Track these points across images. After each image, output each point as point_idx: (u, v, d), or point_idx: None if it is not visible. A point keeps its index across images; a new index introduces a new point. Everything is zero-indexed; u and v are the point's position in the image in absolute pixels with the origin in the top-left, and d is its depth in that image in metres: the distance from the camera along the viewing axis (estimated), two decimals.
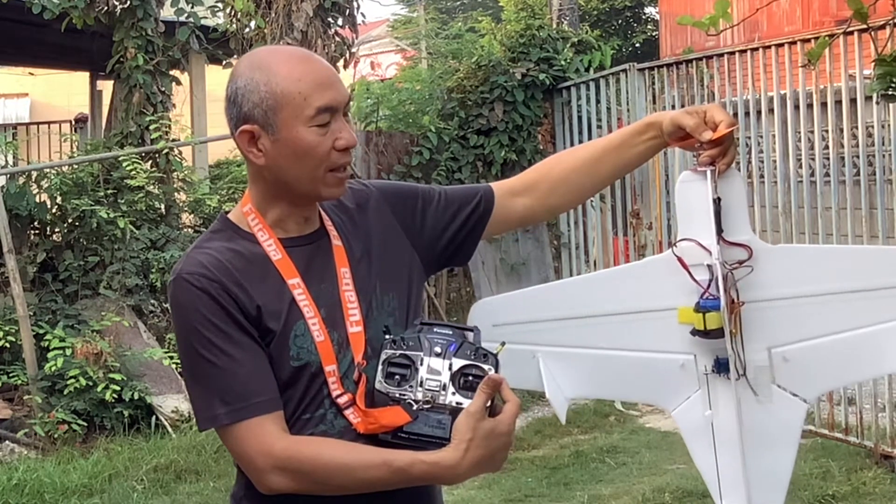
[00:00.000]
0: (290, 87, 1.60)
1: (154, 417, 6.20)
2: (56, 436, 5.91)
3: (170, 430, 6.12)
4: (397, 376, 1.59)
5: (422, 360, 1.59)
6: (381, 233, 1.77)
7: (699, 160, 1.80)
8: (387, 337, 1.62)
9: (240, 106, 1.63)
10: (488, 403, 1.56)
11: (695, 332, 1.77)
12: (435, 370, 1.58)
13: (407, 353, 1.60)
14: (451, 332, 1.62)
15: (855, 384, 5.01)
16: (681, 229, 1.83)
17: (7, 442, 5.99)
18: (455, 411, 1.55)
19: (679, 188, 1.83)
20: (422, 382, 1.58)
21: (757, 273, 1.78)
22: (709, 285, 1.76)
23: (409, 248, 1.79)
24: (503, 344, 1.64)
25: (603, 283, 1.97)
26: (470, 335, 1.64)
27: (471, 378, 1.58)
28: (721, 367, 1.79)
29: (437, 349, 1.60)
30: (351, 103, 1.68)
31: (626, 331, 1.86)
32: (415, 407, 1.57)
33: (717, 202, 1.76)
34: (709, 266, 1.77)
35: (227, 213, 1.74)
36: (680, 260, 1.79)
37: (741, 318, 1.77)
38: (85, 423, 6.05)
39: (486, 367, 1.58)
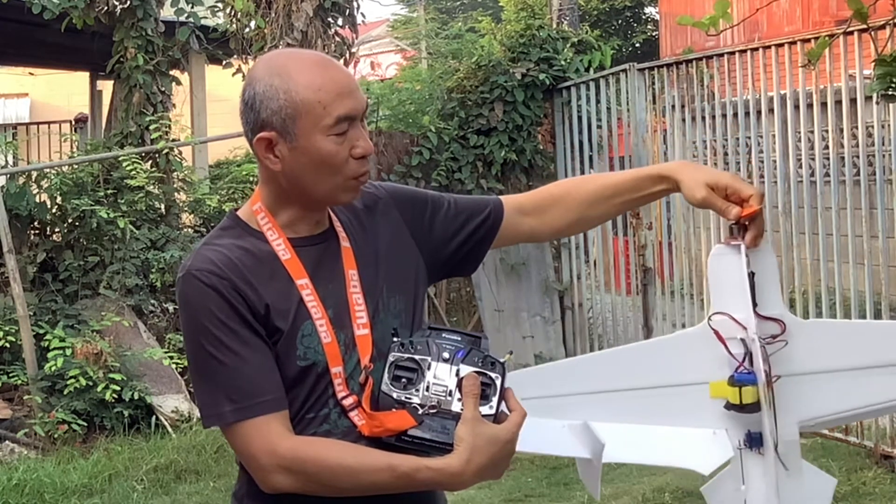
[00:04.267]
0: (310, 96, 1.59)
1: (154, 417, 6.21)
2: (56, 436, 5.91)
3: (170, 430, 6.12)
4: (404, 379, 1.58)
5: (429, 364, 1.59)
6: (389, 235, 1.77)
7: (730, 233, 1.80)
8: (395, 339, 1.62)
9: (258, 112, 1.62)
10: (492, 411, 1.56)
11: (729, 407, 1.75)
12: (442, 376, 1.58)
13: (415, 356, 1.59)
14: (459, 339, 1.62)
15: None
16: (714, 302, 1.80)
17: (7, 442, 6.00)
18: (460, 418, 1.55)
19: (711, 261, 1.81)
20: (428, 387, 1.57)
21: (788, 347, 1.77)
22: (743, 359, 1.74)
23: (416, 252, 1.79)
24: (511, 353, 1.64)
25: (632, 356, 1.93)
26: (478, 342, 1.63)
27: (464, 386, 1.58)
28: (753, 441, 1.77)
29: (445, 355, 1.59)
30: (368, 112, 1.69)
31: (657, 404, 1.83)
32: (420, 411, 1.56)
33: (752, 276, 1.75)
34: (742, 340, 1.75)
35: (236, 210, 1.74)
36: (717, 333, 1.76)
37: (774, 392, 1.75)
38: (85, 423, 6.06)
39: (493, 374, 1.58)
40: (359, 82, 9.31)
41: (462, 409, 1.56)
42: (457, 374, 1.58)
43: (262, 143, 1.63)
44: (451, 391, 1.57)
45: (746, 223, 1.76)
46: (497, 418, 1.57)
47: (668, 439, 1.83)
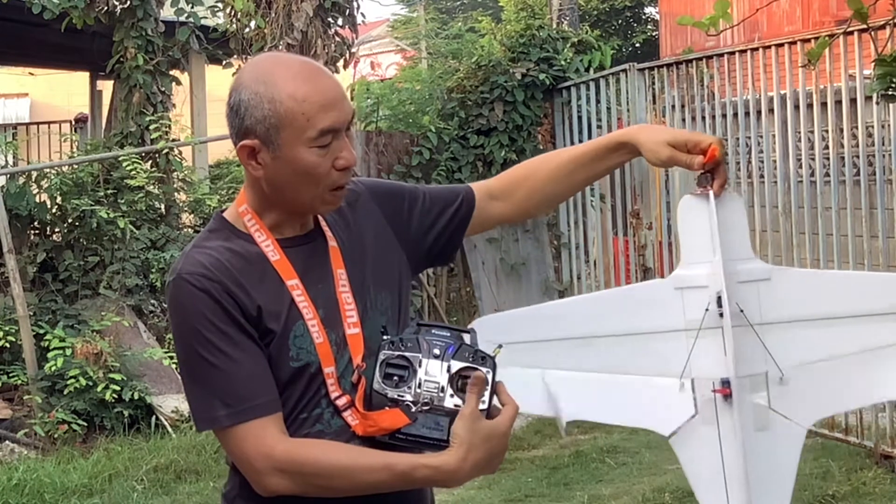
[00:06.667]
0: (294, 108, 1.58)
1: (154, 417, 6.20)
2: (56, 436, 5.91)
3: (170, 430, 6.12)
4: (395, 377, 1.58)
5: (420, 361, 1.59)
6: (373, 232, 1.78)
7: (698, 184, 1.85)
8: (384, 338, 1.62)
9: (242, 119, 1.62)
10: (484, 406, 1.56)
11: None
12: (433, 372, 1.58)
13: (405, 354, 1.59)
14: (449, 334, 1.62)
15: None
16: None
17: (7, 442, 5.99)
18: (453, 413, 1.55)
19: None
20: (420, 384, 1.57)
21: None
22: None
23: (398, 247, 1.80)
24: (500, 346, 1.64)
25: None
26: (467, 337, 1.64)
27: (469, 380, 1.58)
28: (725, 385, 1.79)
29: (436, 351, 1.59)
30: (355, 120, 1.67)
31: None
32: (413, 409, 1.56)
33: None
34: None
35: (222, 212, 1.74)
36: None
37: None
38: (85, 423, 6.06)
39: (483, 369, 1.58)
40: (359, 82, 9.29)
41: (455, 406, 1.56)
42: (448, 370, 1.58)
43: (244, 150, 1.63)
44: (443, 387, 1.57)
45: (712, 173, 1.81)
46: (489, 413, 1.57)
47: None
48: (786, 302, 1.81)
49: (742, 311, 1.78)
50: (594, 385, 1.87)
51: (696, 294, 1.81)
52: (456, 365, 1.58)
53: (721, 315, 1.77)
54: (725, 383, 1.78)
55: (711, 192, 1.80)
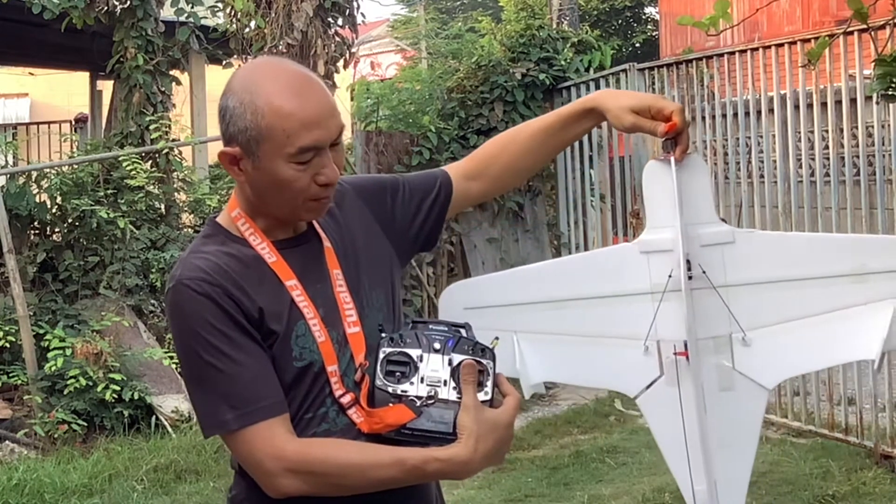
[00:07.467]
0: (275, 123, 1.56)
1: (154, 417, 6.20)
2: (56, 436, 5.91)
3: (170, 430, 6.12)
4: (397, 373, 1.59)
5: (421, 357, 1.60)
6: (362, 230, 1.78)
7: (662, 148, 1.88)
8: (383, 335, 1.63)
9: (227, 125, 1.61)
10: (487, 397, 1.58)
11: None
12: (435, 366, 1.59)
13: (406, 350, 1.60)
14: (446, 329, 1.64)
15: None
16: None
17: (7, 442, 5.99)
18: (456, 406, 1.56)
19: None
20: (423, 379, 1.58)
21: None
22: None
23: (387, 243, 1.81)
24: (497, 339, 1.65)
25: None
26: (463, 331, 1.65)
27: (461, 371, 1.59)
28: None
29: (436, 345, 1.60)
30: (344, 133, 1.67)
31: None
32: (418, 403, 1.57)
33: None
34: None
35: (214, 217, 1.74)
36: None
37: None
38: (85, 423, 6.05)
39: (484, 361, 1.60)
40: (359, 82, 9.25)
41: (458, 398, 1.57)
42: (449, 364, 1.59)
43: (225, 157, 1.63)
44: (445, 381, 1.58)
45: (676, 139, 1.83)
46: (492, 403, 1.58)
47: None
48: (750, 264, 1.83)
49: (705, 272, 1.80)
50: (564, 347, 1.91)
51: (661, 258, 1.84)
52: (457, 358, 1.59)
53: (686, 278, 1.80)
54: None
55: (672, 158, 1.82)
